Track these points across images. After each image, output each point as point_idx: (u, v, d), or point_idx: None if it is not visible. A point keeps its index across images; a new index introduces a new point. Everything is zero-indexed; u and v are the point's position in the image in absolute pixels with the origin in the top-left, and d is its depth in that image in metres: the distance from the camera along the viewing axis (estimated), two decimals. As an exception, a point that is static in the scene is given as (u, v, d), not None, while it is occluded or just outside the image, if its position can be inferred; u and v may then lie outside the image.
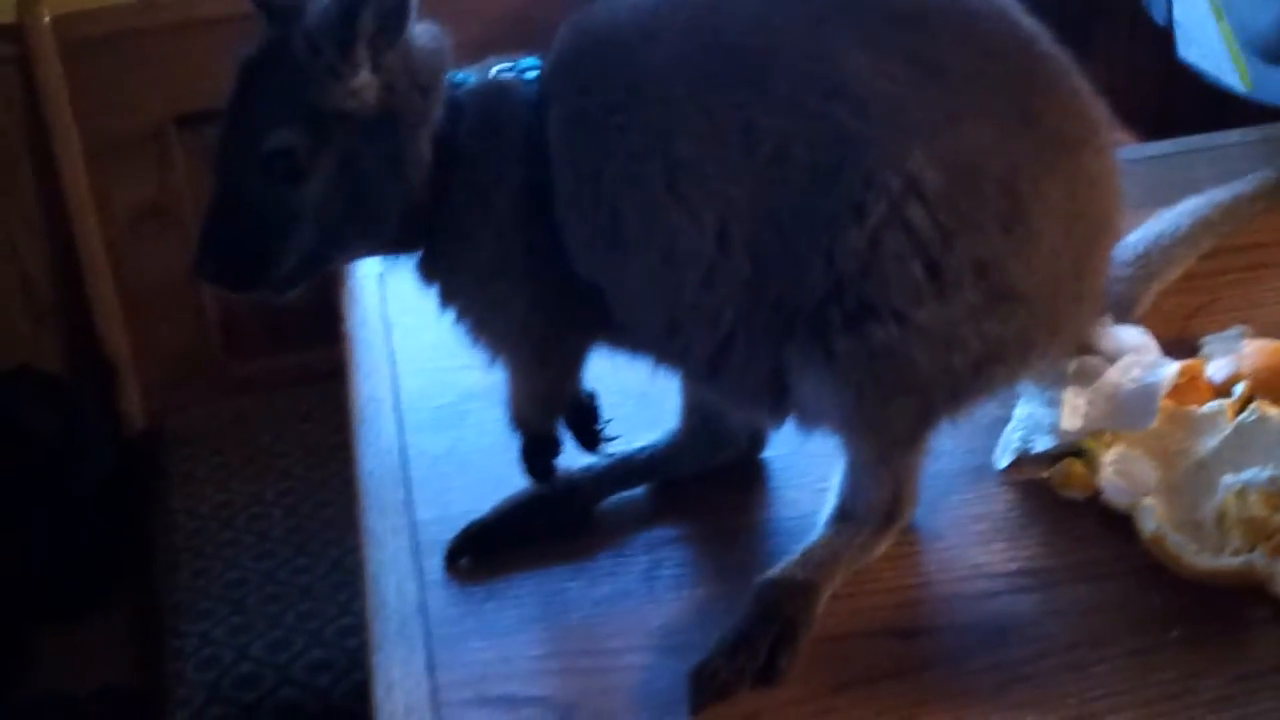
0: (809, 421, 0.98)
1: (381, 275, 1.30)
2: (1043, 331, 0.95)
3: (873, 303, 0.90)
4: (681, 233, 0.91)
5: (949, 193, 0.89)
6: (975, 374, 0.93)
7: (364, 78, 0.91)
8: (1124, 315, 1.12)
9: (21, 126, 1.78)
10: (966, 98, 0.90)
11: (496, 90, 0.96)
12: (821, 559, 0.97)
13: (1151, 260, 1.18)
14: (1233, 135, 1.48)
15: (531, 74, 0.96)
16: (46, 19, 1.74)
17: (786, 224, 0.90)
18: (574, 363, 1.01)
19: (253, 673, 1.48)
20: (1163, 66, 1.71)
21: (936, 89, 0.89)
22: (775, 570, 0.96)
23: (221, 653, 1.49)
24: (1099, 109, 0.97)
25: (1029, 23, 0.95)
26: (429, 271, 0.99)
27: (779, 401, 0.97)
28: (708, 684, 0.90)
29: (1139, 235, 1.19)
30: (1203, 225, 1.22)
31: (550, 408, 1.03)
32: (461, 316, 1.00)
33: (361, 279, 1.30)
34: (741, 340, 0.94)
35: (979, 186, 0.89)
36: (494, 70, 0.97)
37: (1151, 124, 1.98)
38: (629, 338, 0.99)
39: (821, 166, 0.89)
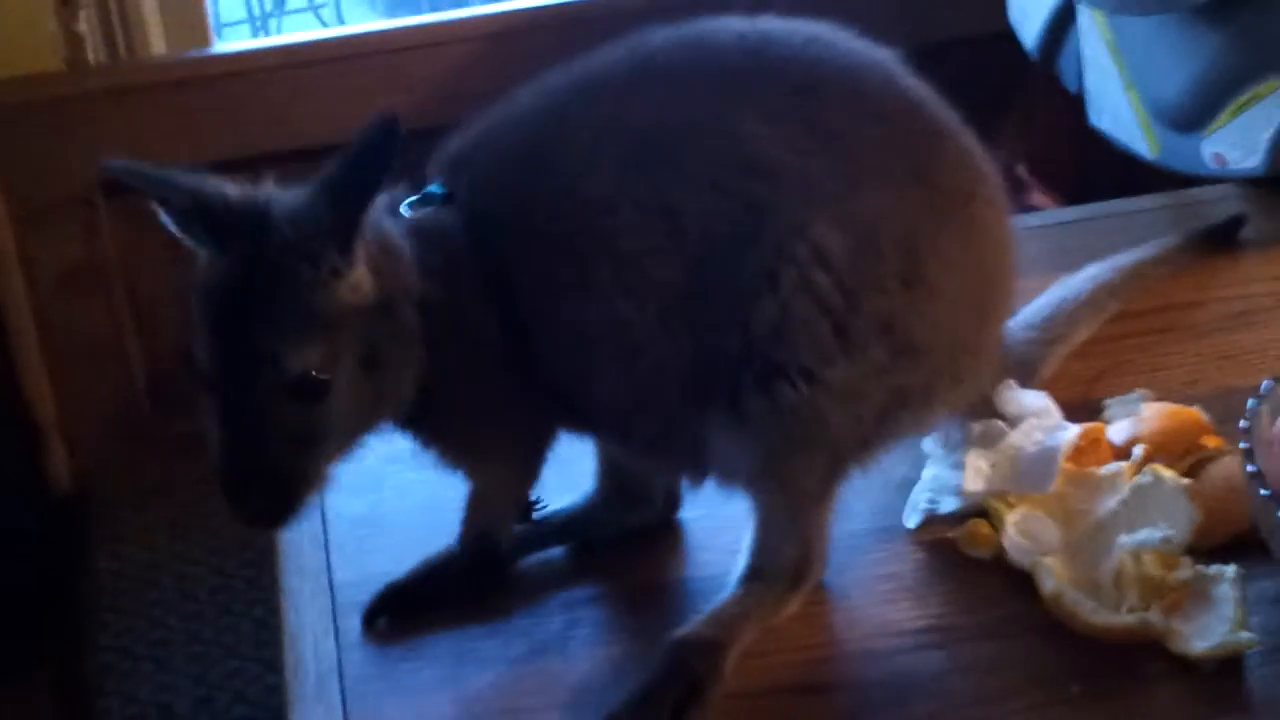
0: (724, 480, 1.00)
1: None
2: (944, 381, 0.99)
3: (783, 364, 0.94)
4: (634, 324, 0.95)
5: (852, 257, 0.93)
6: (880, 424, 0.97)
7: (360, 270, 0.91)
8: (1028, 379, 1.16)
9: (-52, 190, 1.79)
10: (862, 163, 0.94)
11: (430, 234, 0.96)
12: (730, 617, 0.99)
13: (1055, 324, 1.21)
14: (1143, 201, 1.52)
15: (438, 204, 0.97)
16: (-28, 84, 1.75)
17: (713, 298, 0.94)
18: (542, 463, 1.04)
19: (178, 732, 1.49)
20: (1081, 133, 1.76)
21: (834, 156, 0.93)
22: (685, 628, 0.98)
23: (146, 712, 1.49)
24: (985, 162, 1.03)
25: (914, 84, 1.00)
26: (419, 418, 0.99)
27: (698, 463, 1.00)
28: None
29: (1044, 300, 1.23)
30: (1105, 290, 1.26)
31: (516, 510, 1.07)
32: (450, 449, 1.02)
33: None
34: (677, 412, 0.96)
35: (879, 248, 0.94)
36: (404, 209, 0.97)
37: (1071, 189, 2.03)
38: (584, 426, 1.02)
39: (740, 239, 0.93)
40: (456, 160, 0.99)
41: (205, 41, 1.88)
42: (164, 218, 0.95)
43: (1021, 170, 2.07)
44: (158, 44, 1.84)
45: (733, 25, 0.99)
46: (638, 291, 0.94)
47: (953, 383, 1.00)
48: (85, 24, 1.77)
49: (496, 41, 1.74)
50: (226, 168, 1.87)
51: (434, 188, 0.98)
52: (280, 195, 0.93)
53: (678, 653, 0.97)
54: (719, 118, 0.94)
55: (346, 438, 0.93)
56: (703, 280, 0.93)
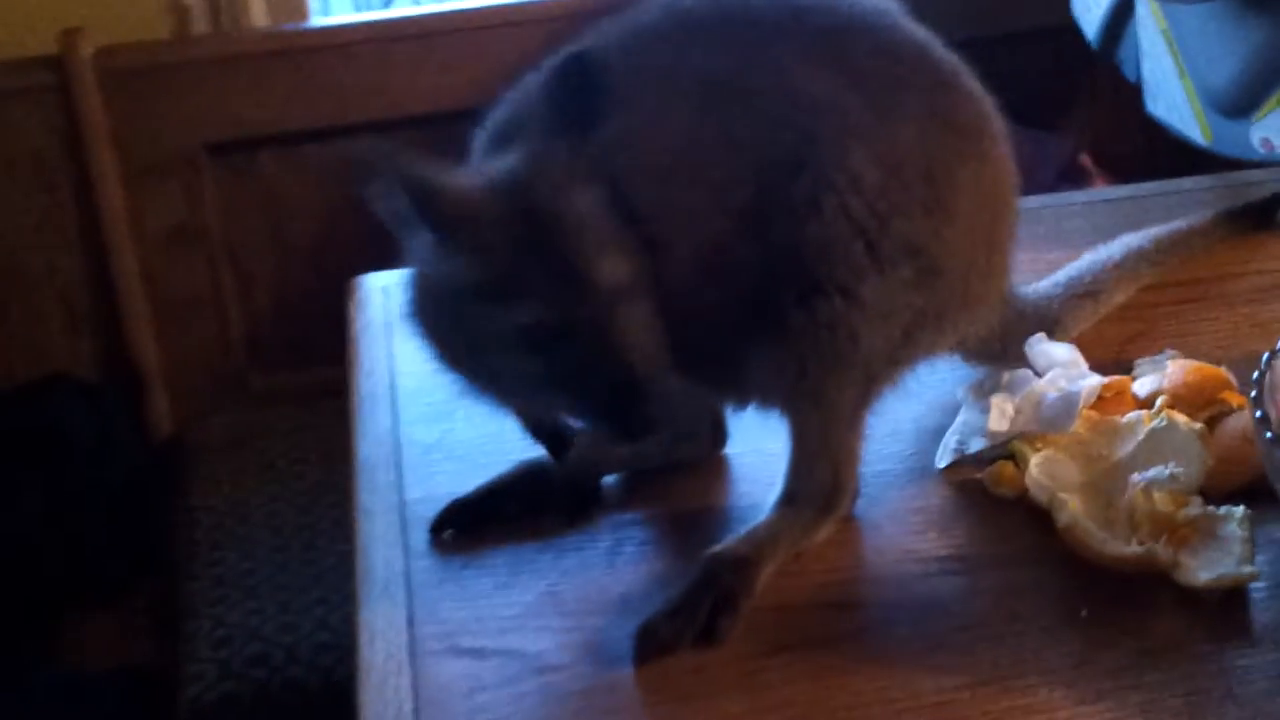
0: (763, 401, 1.09)
1: (386, 288, 1.42)
2: (958, 303, 1.09)
3: (822, 281, 1.04)
4: (725, 237, 1.04)
5: (883, 185, 1.03)
6: (905, 342, 1.07)
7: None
8: (1060, 334, 1.23)
9: (62, 151, 1.91)
10: (888, 99, 1.03)
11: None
12: (764, 537, 1.07)
13: (1087, 283, 1.28)
14: (1190, 182, 1.57)
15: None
16: (87, 51, 1.87)
17: (773, 221, 1.04)
18: None
19: (262, 652, 1.58)
20: (1141, 122, 1.82)
21: (863, 93, 1.03)
22: (720, 546, 1.06)
23: (234, 634, 1.60)
24: (989, 103, 1.12)
25: (922, 32, 1.09)
26: None
27: (740, 384, 1.09)
28: (649, 641, 1.00)
29: (1080, 261, 1.30)
30: (1139, 255, 1.32)
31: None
32: None
33: (368, 289, 1.43)
34: (730, 331, 1.06)
35: (905, 177, 1.04)
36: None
37: (1132, 177, 2.09)
38: None
39: (793, 166, 1.03)
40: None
41: (302, 16, 2.00)
42: (391, 206, 0.97)
43: (1085, 159, 2.13)
44: (259, 17, 1.96)
45: None
46: (728, 214, 1.03)
47: (964, 306, 1.09)
48: (191, -3, 1.90)
49: (574, 22, 1.83)
50: (318, 135, 2.00)
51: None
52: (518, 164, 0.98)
53: (712, 567, 1.04)
54: (765, 60, 1.03)
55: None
56: (767, 204, 1.03)
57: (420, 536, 1.13)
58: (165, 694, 1.61)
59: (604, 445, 1.14)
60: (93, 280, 1.97)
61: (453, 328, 1.01)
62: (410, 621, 1.06)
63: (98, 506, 1.86)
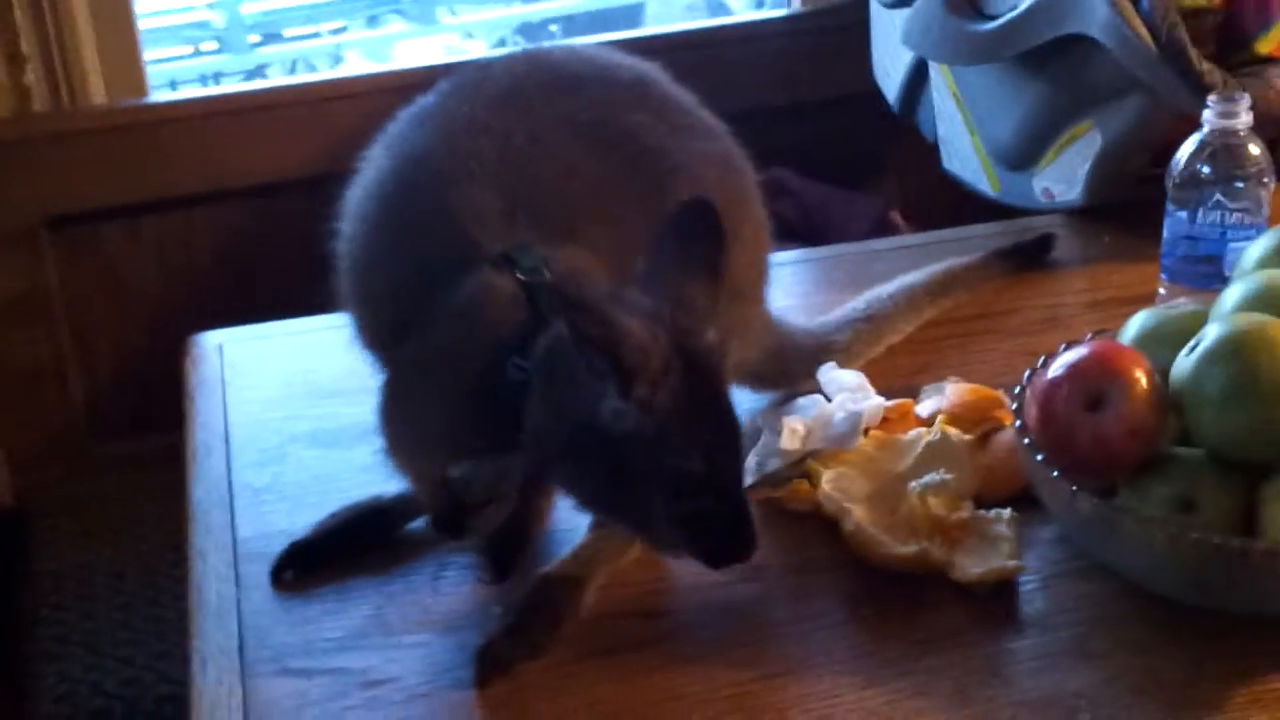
0: None
1: (220, 345, 1.49)
2: (738, 325, 1.18)
3: None
4: None
5: None
6: None
7: None
8: (845, 360, 1.34)
9: (-99, 226, 1.95)
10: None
11: None
12: (587, 557, 1.14)
13: (872, 314, 1.40)
14: (979, 228, 1.69)
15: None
16: (-70, 128, 1.92)
17: None
18: None
19: (106, 706, 1.61)
20: (945, 179, 1.95)
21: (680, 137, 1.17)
22: (549, 566, 1.14)
23: (77, 689, 1.62)
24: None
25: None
26: None
27: None
28: (489, 661, 1.07)
29: (865, 295, 1.42)
30: (919, 288, 1.45)
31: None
32: None
33: (204, 346, 1.49)
34: None
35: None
36: None
37: (942, 227, 2.22)
38: None
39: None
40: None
41: (142, 92, 2.06)
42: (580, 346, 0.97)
43: (895, 215, 2.26)
44: (98, 94, 2.02)
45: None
46: None
47: (742, 328, 1.19)
48: (31, 75, 1.95)
49: (408, 93, 1.92)
50: (158, 207, 2.06)
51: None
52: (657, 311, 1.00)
53: (543, 587, 1.11)
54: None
55: None
56: None
57: (252, 570, 1.19)
58: (9, 754, 1.64)
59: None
60: (-70, 350, 2.00)
61: (593, 468, 1.01)
62: (241, 648, 1.12)
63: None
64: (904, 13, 1.86)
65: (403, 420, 1.10)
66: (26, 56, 1.95)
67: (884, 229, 2.22)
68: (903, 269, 1.50)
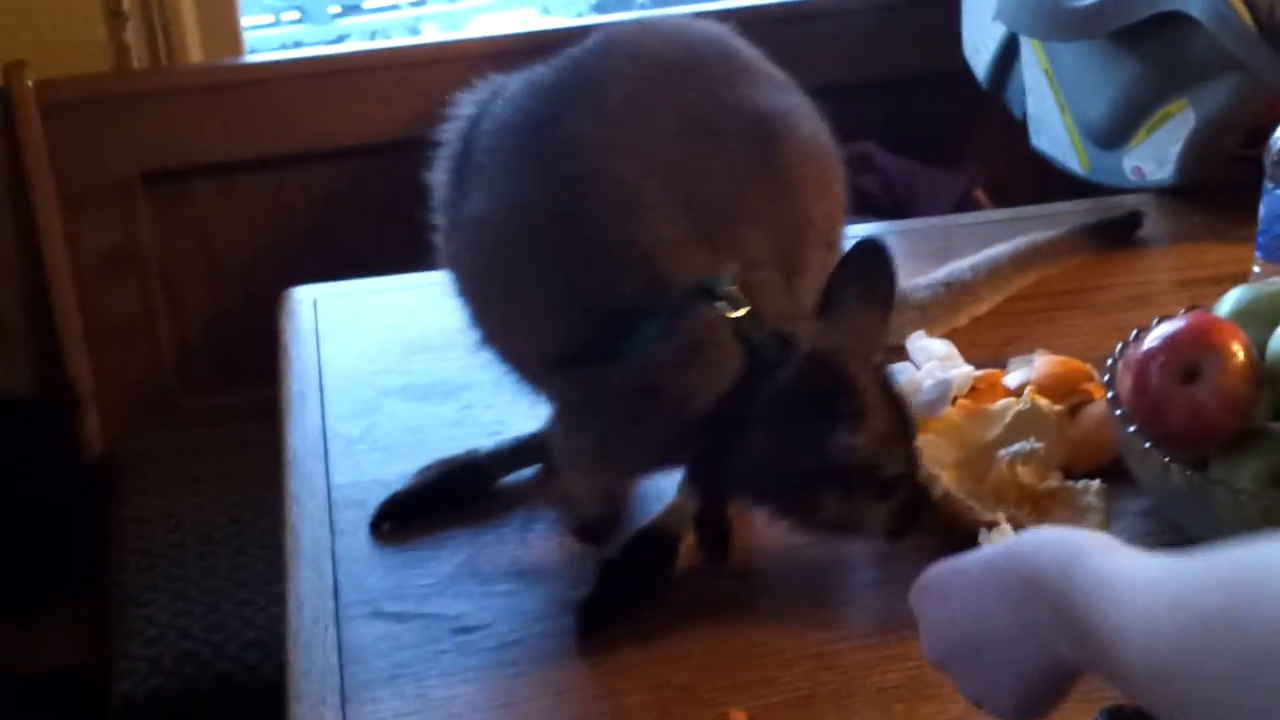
0: None
1: (315, 299, 1.51)
2: None
3: None
4: None
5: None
6: None
7: None
8: (924, 325, 1.35)
9: (3, 176, 1.98)
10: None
11: None
12: (681, 513, 1.16)
13: (959, 283, 1.41)
14: (1065, 205, 1.69)
15: None
16: (30, 83, 1.95)
17: None
18: None
19: (192, 650, 1.64)
20: (1032, 157, 1.94)
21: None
22: (646, 521, 1.15)
23: (164, 633, 1.65)
24: None
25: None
26: None
27: None
28: (590, 616, 1.09)
29: (950, 266, 1.42)
30: (1005, 259, 1.45)
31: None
32: None
33: (298, 300, 1.51)
34: None
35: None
36: None
37: (1025, 205, 2.21)
38: None
39: None
40: None
41: (237, 51, 2.09)
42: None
43: (979, 193, 2.25)
44: (195, 53, 2.05)
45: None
46: None
47: None
48: (131, 33, 1.98)
49: (495, 60, 1.94)
50: (249, 166, 2.09)
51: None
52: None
53: (641, 544, 1.13)
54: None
55: None
56: None
57: (346, 516, 1.21)
58: (96, 694, 1.67)
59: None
60: (29, 302, 2.04)
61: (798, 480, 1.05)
62: (335, 590, 1.14)
63: (31, 518, 1.92)
64: (997, -12, 1.85)
65: (589, 438, 1.10)
66: (126, 14, 1.99)
67: (967, 206, 2.21)
68: (987, 244, 1.50)
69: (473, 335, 1.16)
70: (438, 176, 1.17)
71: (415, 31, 2.66)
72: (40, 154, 1.97)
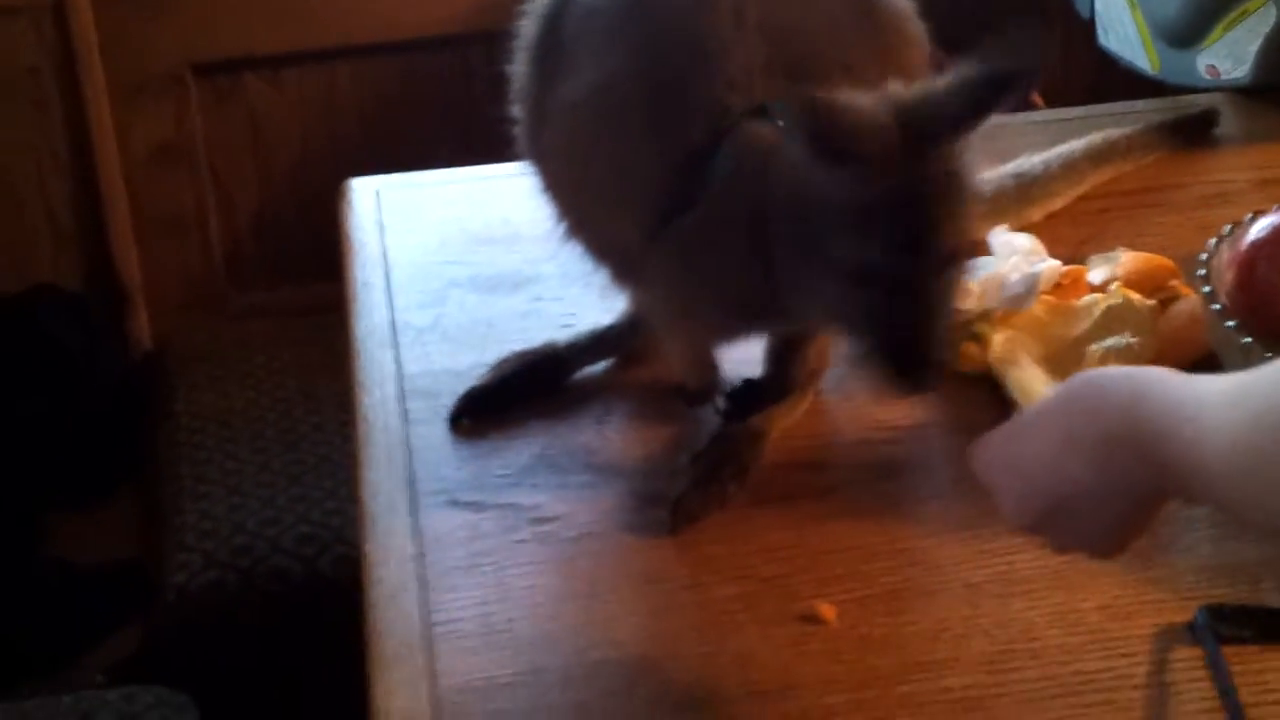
0: None
1: (377, 189, 1.48)
2: None
3: None
4: None
5: None
6: None
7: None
8: (993, 218, 1.32)
9: (53, 68, 1.96)
10: None
11: None
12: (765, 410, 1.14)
13: (1026, 176, 1.38)
14: (1138, 104, 1.65)
15: None
16: (81, -28, 1.93)
17: None
18: None
19: (246, 544, 1.64)
20: (1093, 58, 1.90)
21: None
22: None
23: (219, 526, 1.65)
24: None
25: None
26: None
27: None
28: (684, 513, 1.07)
29: (1020, 160, 1.40)
30: (1081, 153, 1.42)
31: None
32: None
33: (359, 191, 1.48)
34: None
35: None
36: None
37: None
38: None
39: None
40: None
41: (290, -61, 2.05)
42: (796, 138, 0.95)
43: (1036, 96, 2.21)
44: (247, -59, 2.01)
45: None
46: None
47: None
48: (183, -80, 1.95)
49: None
50: (300, 59, 2.06)
51: None
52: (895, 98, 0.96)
53: (731, 439, 1.11)
54: None
55: None
56: None
57: (418, 406, 1.19)
58: (151, 584, 1.67)
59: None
60: (79, 196, 2.02)
61: (796, 234, 0.99)
62: (410, 480, 1.12)
63: (84, 412, 1.91)
64: (1067, -119, 1.81)
65: (683, 300, 1.08)
66: (179, -98, 1.95)
67: (1024, 109, 2.17)
68: (1055, 143, 1.46)
69: (559, 227, 1.14)
70: (518, 68, 1.14)
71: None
72: (90, 45, 1.94)
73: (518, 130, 1.16)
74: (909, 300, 0.96)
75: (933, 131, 0.94)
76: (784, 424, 1.15)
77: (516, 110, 1.16)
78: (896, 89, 0.96)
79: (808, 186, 0.96)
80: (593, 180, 1.10)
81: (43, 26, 1.93)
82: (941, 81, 0.97)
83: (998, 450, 0.86)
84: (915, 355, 0.97)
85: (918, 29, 1.13)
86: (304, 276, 1.68)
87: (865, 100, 0.94)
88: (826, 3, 1.07)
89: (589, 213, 1.12)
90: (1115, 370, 0.80)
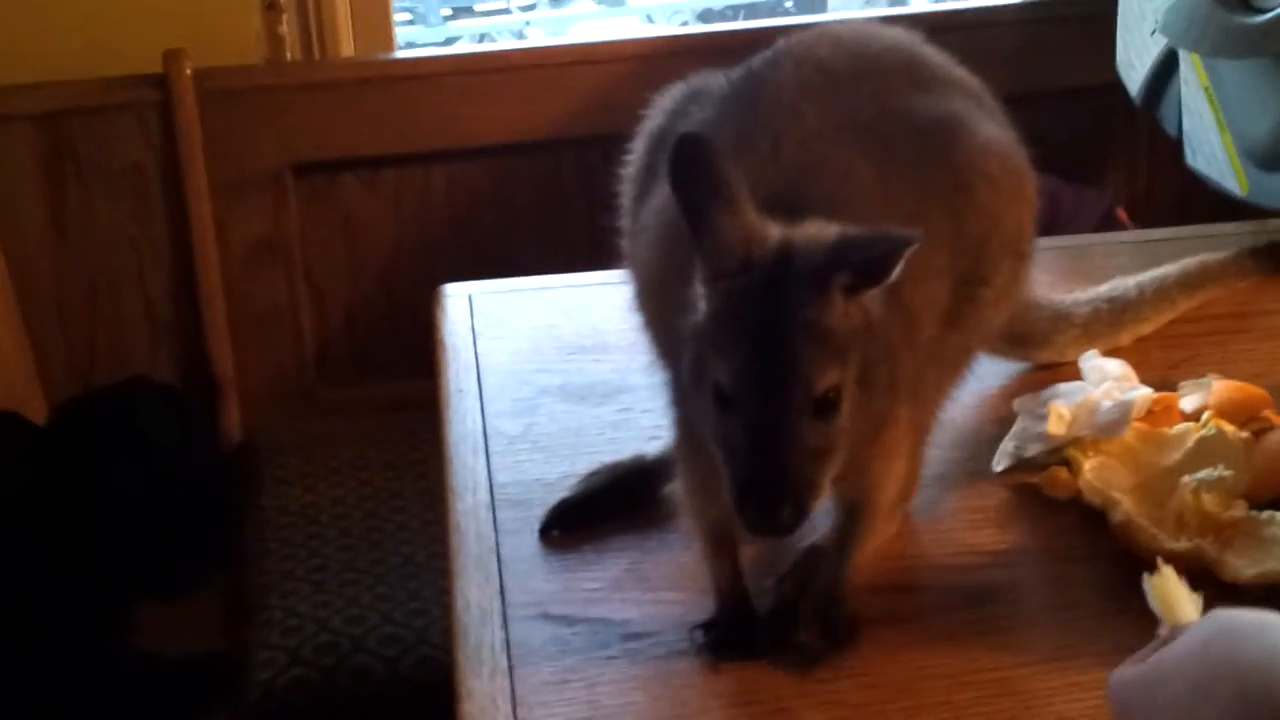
0: None
1: (470, 295, 1.51)
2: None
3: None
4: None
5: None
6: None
7: (873, 293, 0.96)
8: (1085, 341, 1.34)
9: (159, 164, 2.01)
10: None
11: None
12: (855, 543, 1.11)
13: (1119, 300, 1.39)
14: (1228, 226, 1.65)
15: None
16: (188, 71, 1.98)
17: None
18: None
19: (331, 642, 1.65)
20: (1180, 178, 1.91)
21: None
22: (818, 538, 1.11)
23: (304, 624, 1.67)
24: None
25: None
26: None
27: None
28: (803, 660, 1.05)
29: (1114, 282, 1.41)
30: (1173, 280, 1.42)
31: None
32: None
33: (453, 297, 1.51)
34: None
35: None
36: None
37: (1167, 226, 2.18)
38: None
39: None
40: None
41: (389, 47, 2.11)
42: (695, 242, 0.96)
43: (1121, 213, 2.21)
44: (347, 47, 2.07)
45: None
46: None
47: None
48: (285, 26, 2.00)
49: (643, 62, 1.95)
50: (397, 161, 2.11)
51: None
52: (796, 230, 0.97)
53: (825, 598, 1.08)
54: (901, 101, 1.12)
55: (844, 452, 0.96)
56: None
57: (509, 516, 1.21)
58: (235, 680, 1.68)
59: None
60: (177, 288, 2.07)
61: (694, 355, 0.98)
62: (502, 590, 1.13)
63: (174, 502, 1.94)
64: (1158, 3, 1.82)
65: (690, 452, 1.06)
66: (282, 6, 2.01)
67: (1110, 226, 2.18)
68: (1145, 264, 1.47)
69: (648, 343, 1.16)
70: (625, 183, 1.17)
71: (521, 36, 2.69)
72: (194, 143, 2.00)
73: (622, 241, 1.20)
74: (761, 433, 0.93)
75: (817, 273, 0.93)
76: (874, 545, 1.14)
77: (621, 220, 1.19)
78: (815, 229, 0.95)
79: (705, 301, 0.96)
80: (657, 290, 1.11)
81: (148, 123, 1.99)
82: (849, 232, 0.95)
83: (1135, 694, 0.85)
84: (761, 493, 0.93)
85: (1006, 169, 1.13)
86: (392, 373, 1.71)
87: (759, 228, 0.95)
88: (891, 157, 1.08)
89: (659, 327, 1.13)
90: (1250, 618, 0.77)
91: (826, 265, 0.93)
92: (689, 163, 0.95)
